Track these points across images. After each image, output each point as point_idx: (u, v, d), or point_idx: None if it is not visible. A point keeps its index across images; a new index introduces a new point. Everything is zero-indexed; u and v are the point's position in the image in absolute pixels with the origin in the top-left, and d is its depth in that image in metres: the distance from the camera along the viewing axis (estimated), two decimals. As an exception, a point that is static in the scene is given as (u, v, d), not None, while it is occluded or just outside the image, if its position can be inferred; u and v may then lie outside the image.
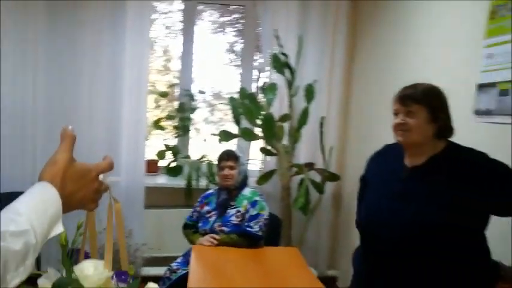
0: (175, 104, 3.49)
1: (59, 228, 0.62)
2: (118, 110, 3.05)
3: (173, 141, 3.48)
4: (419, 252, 1.40)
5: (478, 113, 1.87)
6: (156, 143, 3.51)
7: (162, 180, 3.38)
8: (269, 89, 3.07)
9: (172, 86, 3.60)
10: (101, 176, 0.72)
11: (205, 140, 3.56)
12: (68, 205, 0.64)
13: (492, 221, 1.41)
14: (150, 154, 3.34)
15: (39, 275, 0.78)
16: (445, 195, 1.36)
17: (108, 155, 0.76)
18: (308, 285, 1.94)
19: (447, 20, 2.19)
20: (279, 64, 2.99)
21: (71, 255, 0.81)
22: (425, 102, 1.43)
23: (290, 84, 3.01)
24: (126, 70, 3.04)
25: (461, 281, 1.39)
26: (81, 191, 0.68)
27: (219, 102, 4.16)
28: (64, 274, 0.77)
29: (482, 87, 1.87)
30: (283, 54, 2.98)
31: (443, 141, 1.49)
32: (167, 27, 3.87)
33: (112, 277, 0.84)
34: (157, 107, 3.66)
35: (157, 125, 3.42)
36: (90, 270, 0.78)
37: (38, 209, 0.59)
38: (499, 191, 1.35)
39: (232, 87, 3.88)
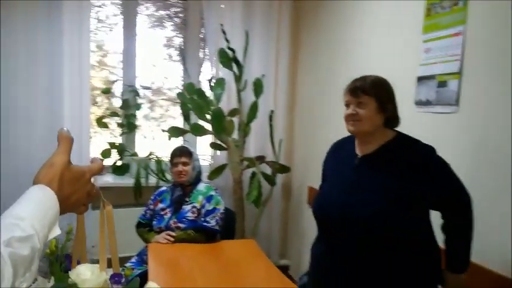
0: (115, 100, 3.38)
1: (56, 231, 0.61)
2: (59, 109, 2.89)
3: (118, 139, 3.37)
4: (370, 241, 1.45)
5: (419, 103, 2.02)
6: (100, 141, 3.38)
7: (108, 179, 3.26)
8: (217, 84, 3.07)
9: (114, 82, 3.47)
10: (92, 179, 0.71)
11: (153, 138, 3.48)
12: (63, 208, 0.64)
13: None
14: (95, 153, 3.21)
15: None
16: (393, 184, 1.43)
17: (96, 157, 0.75)
18: (266, 275, 1.98)
19: (388, 16, 2.32)
20: (227, 59, 3.00)
21: (60, 261, 0.79)
22: (374, 93, 1.49)
23: (238, 79, 3.04)
24: (66, 67, 2.89)
25: (411, 272, 1.45)
26: (76, 193, 0.67)
27: (160, 98, 4.08)
28: (51, 281, 0.74)
29: (421, 79, 2.01)
30: (230, 49, 3.00)
31: (392, 131, 1.57)
32: (100, 21, 3.71)
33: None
34: (94, 103, 3.51)
35: (101, 122, 3.29)
36: (87, 274, 0.76)
37: (38, 213, 0.58)
38: (437, 187, 1.44)
39: (173, 82, 3.82)
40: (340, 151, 1.73)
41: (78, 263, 0.87)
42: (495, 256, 1.55)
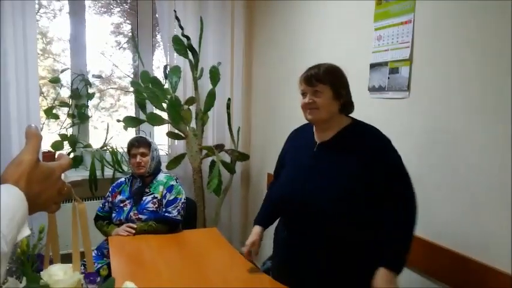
0: (63, 91, 3.23)
1: (25, 232, 0.58)
2: (5, 100, 2.72)
3: (69, 131, 3.24)
4: (329, 225, 1.51)
5: (372, 89, 2.10)
6: (50, 133, 3.23)
7: (61, 173, 3.14)
8: (172, 72, 3.02)
9: (63, 71, 3.31)
10: (62, 176, 0.69)
11: (106, 129, 3.37)
12: (32, 207, 0.61)
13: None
14: (45, 145, 3.07)
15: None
16: (350, 170, 1.49)
17: (62, 153, 0.73)
18: (231, 261, 2.01)
19: (340, 6, 2.37)
20: (182, 47, 2.95)
21: (32, 261, 0.77)
22: (329, 81, 1.53)
23: (194, 66, 3.00)
24: (10, 56, 2.73)
25: (371, 253, 1.49)
26: (46, 192, 0.65)
27: (110, 87, 3.96)
28: (23, 282, 0.72)
29: (374, 66, 2.09)
30: (185, 36, 2.95)
31: (347, 117, 1.63)
32: (42, 6, 3.52)
33: None
34: (41, 94, 3.35)
35: (50, 113, 3.14)
36: (59, 274, 0.75)
37: (5, 214, 0.55)
38: (386, 177, 1.48)
39: (123, 71, 3.72)
40: (298, 139, 1.77)
41: (51, 262, 0.84)
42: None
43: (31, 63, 2.80)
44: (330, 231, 1.52)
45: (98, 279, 0.91)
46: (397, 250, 1.47)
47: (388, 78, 1.99)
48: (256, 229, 1.84)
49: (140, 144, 2.45)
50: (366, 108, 2.09)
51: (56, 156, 0.72)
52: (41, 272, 0.77)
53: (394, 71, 1.96)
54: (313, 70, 1.56)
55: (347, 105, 1.61)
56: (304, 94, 1.59)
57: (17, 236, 0.57)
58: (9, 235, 0.54)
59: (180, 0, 3.18)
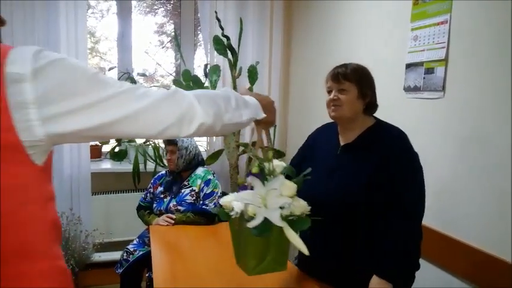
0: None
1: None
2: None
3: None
4: (345, 226, 1.54)
5: (407, 89, 2.11)
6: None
7: (107, 165, 3.34)
8: (212, 70, 3.13)
9: (111, 69, 3.51)
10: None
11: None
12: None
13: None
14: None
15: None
16: (367, 171, 1.50)
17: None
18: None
19: (377, 5, 2.39)
20: (222, 46, 3.05)
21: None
22: (355, 80, 1.56)
23: (233, 65, 3.10)
24: (63, 53, 2.93)
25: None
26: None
27: (152, 85, 4.13)
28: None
29: (410, 66, 2.10)
30: (225, 36, 3.05)
31: (371, 118, 1.64)
32: (90, 7, 3.73)
33: None
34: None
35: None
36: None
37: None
38: (396, 183, 1.47)
39: (165, 69, 3.87)
40: (322, 139, 1.78)
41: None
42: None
43: (82, 61, 2.99)
44: (342, 225, 1.54)
45: None
46: (396, 262, 1.45)
47: (424, 78, 2.00)
48: None
49: (169, 142, 2.57)
50: (402, 108, 2.11)
51: None
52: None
53: (429, 71, 1.97)
54: (341, 68, 1.59)
55: (371, 106, 1.62)
56: (330, 91, 1.61)
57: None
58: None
59: (221, 1, 3.28)
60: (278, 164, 1.21)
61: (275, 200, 1.08)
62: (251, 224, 1.07)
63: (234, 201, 1.24)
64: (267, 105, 1.10)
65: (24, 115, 0.65)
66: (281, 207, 1.09)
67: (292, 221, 1.14)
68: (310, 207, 1.21)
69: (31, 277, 0.70)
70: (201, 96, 0.86)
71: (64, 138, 0.71)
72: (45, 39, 2.88)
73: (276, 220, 1.06)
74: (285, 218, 1.11)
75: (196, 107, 0.83)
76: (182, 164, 2.57)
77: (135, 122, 0.75)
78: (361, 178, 1.51)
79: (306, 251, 1.07)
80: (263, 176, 1.14)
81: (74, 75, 0.70)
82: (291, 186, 1.17)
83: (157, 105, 0.78)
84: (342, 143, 1.64)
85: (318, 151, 1.74)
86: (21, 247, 0.69)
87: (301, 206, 1.18)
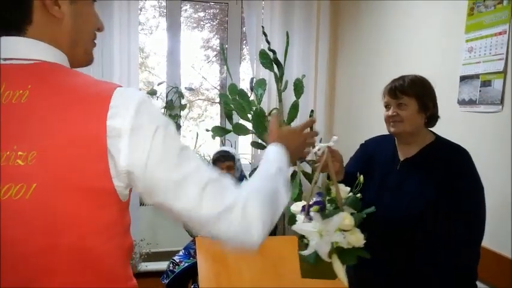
0: (156, 102, 3.52)
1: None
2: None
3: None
4: (410, 243, 1.48)
5: (462, 103, 2.02)
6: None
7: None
8: (258, 84, 3.16)
9: (160, 83, 3.62)
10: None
11: (197, 137, 3.61)
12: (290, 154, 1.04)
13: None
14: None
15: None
16: (429, 192, 1.45)
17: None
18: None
19: (429, 16, 2.32)
20: (268, 60, 3.08)
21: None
22: (414, 93, 1.50)
23: (279, 79, 3.11)
24: (116, 68, 3.06)
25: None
26: (294, 142, 1.11)
27: (198, 98, 4.22)
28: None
29: (464, 78, 2.01)
30: (271, 50, 3.07)
31: (431, 134, 1.57)
32: (140, 24, 3.88)
33: None
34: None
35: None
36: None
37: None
38: (453, 206, 1.41)
39: (210, 83, 3.95)
40: (379, 152, 1.72)
41: None
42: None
43: (133, 76, 3.12)
44: (404, 249, 1.50)
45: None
46: (452, 281, 1.41)
47: (480, 91, 1.91)
48: None
49: (226, 159, 2.59)
50: (455, 122, 2.02)
51: None
52: None
53: (486, 83, 1.88)
54: (398, 82, 1.54)
55: (433, 119, 1.57)
56: (387, 106, 1.57)
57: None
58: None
59: (267, 16, 3.32)
60: (344, 190, 1.23)
61: (329, 236, 1.09)
62: (304, 252, 1.12)
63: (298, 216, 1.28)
64: (292, 145, 1.08)
65: (115, 163, 0.69)
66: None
67: (343, 251, 1.12)
68: (364, 241, 1.16)
69: None
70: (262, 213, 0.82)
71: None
72: (99, 55, 3.01)
73: (324, 255, 1.08)
74: (334, 250, 1.11)
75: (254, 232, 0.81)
76: (236, 176, 2.59)
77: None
78: (426, 195, 1.46)
79: (346, 284, 1.11)
80: (324, 204, 1.16)
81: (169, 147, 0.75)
82: (350, 220, 1.14)
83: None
84: (401, 158, 1.59)
85: (375, 164, 1.68)
86: (103, 277, 0.73)
87: (357, 240, 1.14)
